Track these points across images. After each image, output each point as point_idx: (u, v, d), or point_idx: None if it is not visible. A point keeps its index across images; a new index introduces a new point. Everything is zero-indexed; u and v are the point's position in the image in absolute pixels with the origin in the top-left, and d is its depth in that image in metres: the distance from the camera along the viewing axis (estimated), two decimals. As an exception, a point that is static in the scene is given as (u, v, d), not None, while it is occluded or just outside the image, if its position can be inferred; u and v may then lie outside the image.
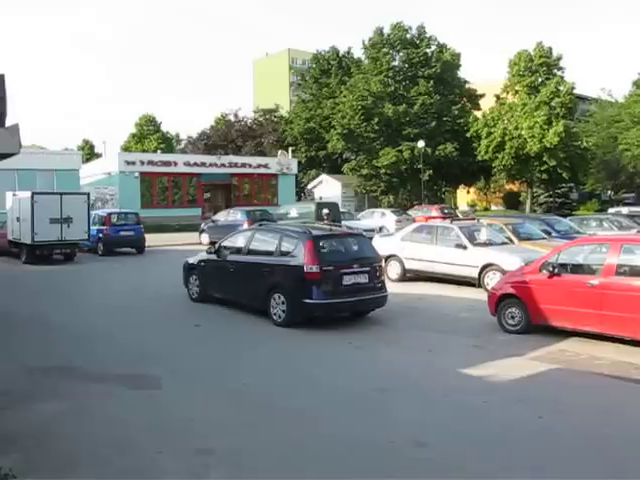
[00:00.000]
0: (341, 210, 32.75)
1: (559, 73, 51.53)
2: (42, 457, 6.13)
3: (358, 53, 62.36)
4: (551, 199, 56.45)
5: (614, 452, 6.35)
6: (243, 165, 50.15)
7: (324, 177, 57.78)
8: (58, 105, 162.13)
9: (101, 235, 26.50)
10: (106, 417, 7.30)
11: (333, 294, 11.82)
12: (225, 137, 64.99)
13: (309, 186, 58.45)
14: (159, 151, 66.48)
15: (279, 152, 54.81)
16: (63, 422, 7.12)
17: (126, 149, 78.39)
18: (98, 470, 5.86)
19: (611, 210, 34.69)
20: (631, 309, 10.14)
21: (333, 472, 5.81)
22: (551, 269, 11.18)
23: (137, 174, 43.95)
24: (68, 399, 7.85)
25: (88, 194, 26.06)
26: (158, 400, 7.95)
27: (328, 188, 54.79)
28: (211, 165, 47.81)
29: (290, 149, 56.37)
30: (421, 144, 48.45)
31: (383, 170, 52.82)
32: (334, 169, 59.64)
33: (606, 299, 10.44)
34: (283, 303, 12.03)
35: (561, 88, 49.48)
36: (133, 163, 44.51)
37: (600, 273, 10.75)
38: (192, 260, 15.06)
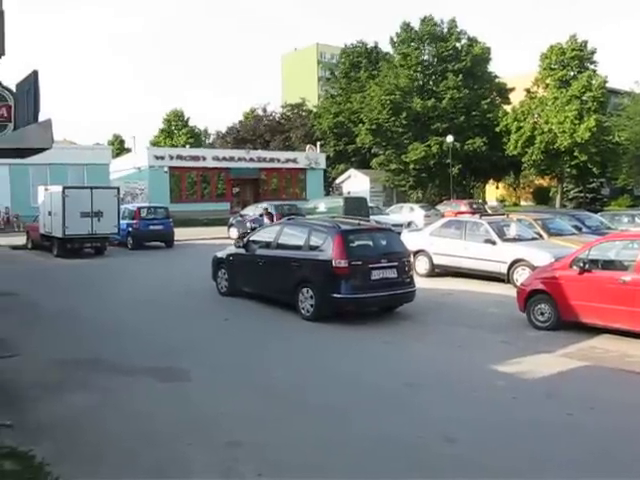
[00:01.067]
0: (369, 205, 32.67)
1: (591, 67, 50.87)
2: (72, 448, 6.22)
3: (386, 47, 62.20)
4: (582, 194, 55.75)
5: (644, 450, 6.29)
6: (271, 160, 50.34)
7: (352, 172, 57.74)
8: (88, 100, 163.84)
9: (131, 229, 26.73)
10: (135, 409, 7.38)
11: (361, 289, 11.82)
12: (254, 132, 65.27)
13: (337, 181, 58.48)
14: (188, 146, 66.98)
15: (307, 147, 54.92)
16: (93, 414, 7.22)
17: (155, 144, 79.01)
18: (127, 461, 5.93)
19: (643, 206, 34.19)
20: (664, 306, 10.01)
21: (362, 467, 5.82)
22: (582, 265, 11.05)
23: (166, 169, 44.31)
24: (98, 391, 7.94)
25: (118, 188, 26.34)
26: (186, 393, 8.02)
27: (356, 183, 54.75)
28: (240, 160, 48.04)
29: (318, 144, 56.44)
30: (450, 139, 48.16)
31: (412, 165, 52.65)
32: (362, 164, 59.59)
33: (638, 296, 10.31)
34: (311, 297, 12.05)
35: (593, 82, 48.89)
36: (162, 158, 44.91)
37: (632, 269, 10.60)
38: (221, 254, 15.15)
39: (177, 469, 5.78)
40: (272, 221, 21.76)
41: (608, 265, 11.21)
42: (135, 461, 5.93)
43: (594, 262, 11.14)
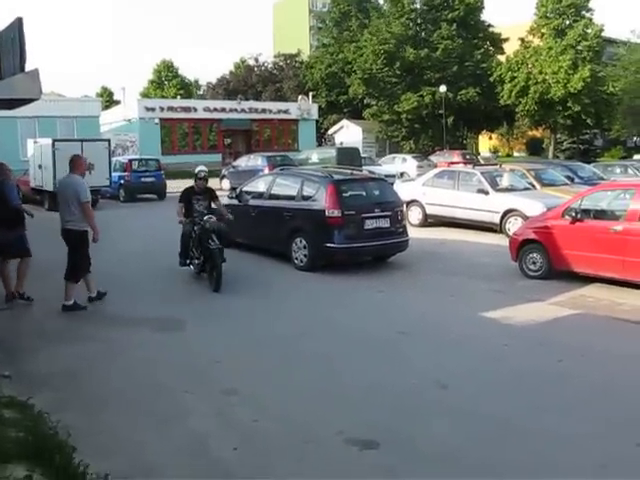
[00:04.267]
0: (362, 156, 32.54)
1: (588, 15, 50.14)
2: (73, 396, 6.30)
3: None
4: (575, 145, 55.56)
5: (632, 396, 6.41)
6: (263, 110, 49.83)
7: (345, 122, 57.30)
8: (75, 51, 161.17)
9: (122, 182, 26.61)
10: (134, 358, 7.47)
11: (355, 238, 11.85)
12: (245, 82, 64.51)
13: (330, 131, 58.08)
14: (178, 97, 66.17)
15: (299, 97, 54.31)
16: (92, 363, 7.30)
17: (145, 96, 77.86)
18: (128, 408, 6.02)
19: (636, 157, 34.18)
20: (655, 255, 10.09)
21: (356, 413, 5.92)
22: (574, 215, 11.09)
23: (157, 120, 43.84)
24: (96, 341, 8.01)
25: (109, 140, 26.09)
26: (184, 342, 8.11)
27: (349, 134, 54.39)
28: (231, 111, 47.54)
29: (311, 94, 55.80)
30: (443, 89, 47.72)
31: (404, 115, 52.22)
32: (355, 114, 59.11)
33: (629, 245, 10.37)
34: (305, 247, 12.10)
35: (589, 31, 48.30)
36: (153, 109, 44.37)
37: (624, 219, 10.66)
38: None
39: (176, 415, 5.87)
40: None
41: (600, 215, 11.25)
42: (136, 408, 6.03)
43: (586, 212, 11.18)
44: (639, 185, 11.79)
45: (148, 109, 44.18)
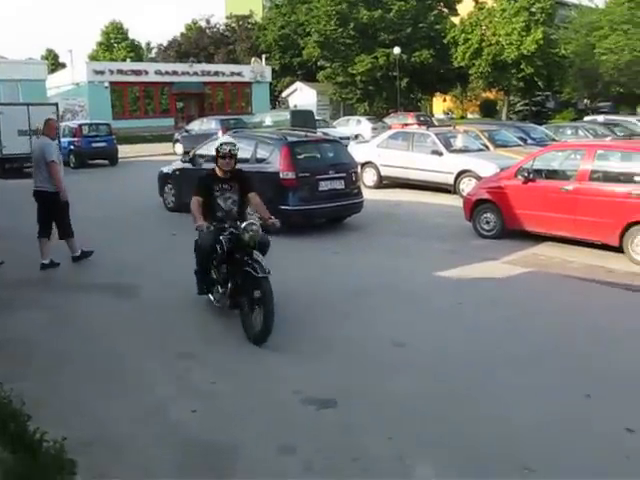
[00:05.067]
0: (316, 118, 32.41)
1: (541, -24, 50.23)
2: (26, 363, 6.18)
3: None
4: (527, 107, 56.08)
5: (581, 350, 6.57)
6: (216, 73, 49.10)
7: (299, 85, 56.80)
8: (15, 11, 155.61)
9: (72, 147, 26.05)
10: (88, 324, 7.37)
11: (309, 200, 11.83)
12: (197, 45, 63.30)
13: (284, 94, 57.54)
14: (128, 60, 64.67)
15: (253, 60, 53.63)
16: (46, 329, 7.18)
17: (93, 58, 75.78)
18: (83, 375, 5.95)
19: (587, 118, 34.65)
20: (603, 214, 10.29)
21: (314, 371, 5.94)
22: (526, 175, 11.23)
23: (107, 84, 42.87)
24: (50, 308, 7.89)
25: (56, 105, 25.45)
26: (139, 308, 8.02)
27: (303, 96, 53.97)
28: (183, 74, 46.74)
29: (264, 56, 55.13)
30: (397, 51, 47.51)
31: (359, 77, 51.97)
32: (309, 77, 58.56)
33: (579, 204, 10.56)
34: (259, 210, 11.96)
35: (542, -8, 48.43)
36: (102, 73, 43.33)
37: (574, 179, 10.83)
38: (167, 169, 14.89)
39: (133, 380, 5.83)
40: None
41: (551, 175, 11.42)
42: (92, 375, 5.94)
43: (538, 172, 11.33)
44: (589, 146, 11.99)
45: (97, 72, 43.13)
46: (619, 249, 10.28)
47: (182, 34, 67.70)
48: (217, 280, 7.45)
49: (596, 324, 7.41)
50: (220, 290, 7.37)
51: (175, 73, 46.51)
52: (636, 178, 10.26)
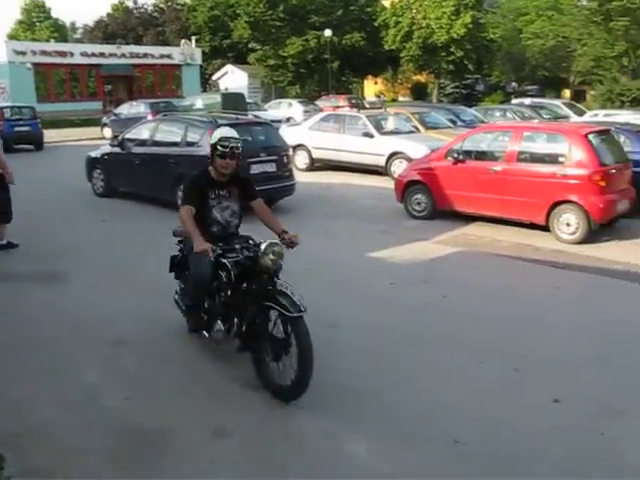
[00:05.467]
0: (248, 101, 32.18)
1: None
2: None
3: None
4: (458, 90, 56.86)
5: (509, 326, 6.74)
6: (145, 55, 47.98)
7: (230, 68, 56.21)
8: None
9: (-6, 131, 25.11)
10: (16, 313, 7.16)
11: (241, 184, 11.69)
12: (124, 26, 61.74)
13: (214, 77, 56.81)
14: (52, 41, 62.69)
15: (182, 42, 52.64)
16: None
17: (13, 38, 73.10)
18: (11, 364, 5.78)
19: (514, 101, 35.38)
20: (530, 194, 10.55)
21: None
22: (455, 156, 11.41)
23: (29, 65, 41.31)
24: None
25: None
26: (68, 295, 7.81)
27: (234, 79, 53.44)
28: (111, 56, 45.46)
29: (194, 38, 54.19)
30: (328, 33, 47.52)
31: (290, 60, 51.83)
32: (240, 59, 58.00)
33: (507, 185, 10.80)
34: (191, 194, 11.80)
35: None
36: (24, 53, 41.68)
37: (502, 160, 11.05)
38: (95, 154, 14.53)
39: (62, 369, 5.70)
40: None
41: (480, 156, 11.61)
42: (20, 364, 5.79)
43: (467, 153, 11.52)
44: (516, 127, 12.24)
45: (18, 53, 41.46)
46: (546, 228, 10.57)
47: (109, 14, 65.97)
48: (214, 312, 5.65)
49: (524, 300, 7.61)
50: (222, 327, 5.50)
51: (102, 55, 45.23)
52: (561, 159, 10.53)
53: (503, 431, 4.65)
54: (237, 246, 5.53)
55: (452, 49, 48.72)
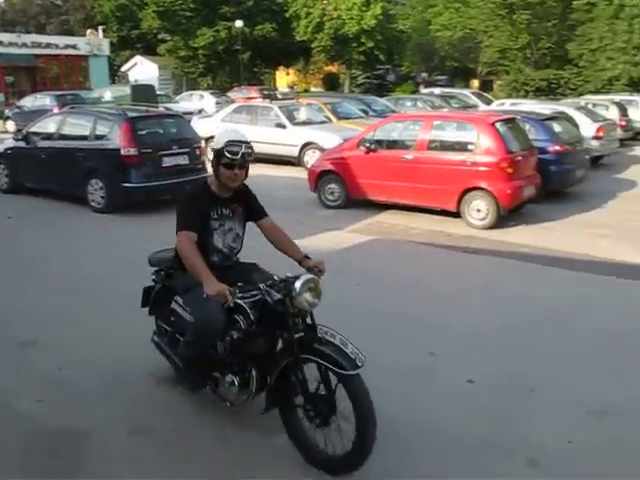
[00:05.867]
0: (158, 93, 31.67)
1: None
2: None
3: None
4: (369, 80, 57.53)
5: (424, 311, 6.88)
6: (48, 45, 46.20)
7: (139, 59, 55.05)
8: None
9: None
10: None
11: (153, 177, 11.53)
12: (24, 13, 59.40)
13: (123, 68, 55.53)
14: (-58, 27, 59.73)
15: (88, 31, 51.09)
16: None
17: None
18: None
19: (424, 91, 36.05)
20: (441, 181, 10.79)
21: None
22: (367, 145, 11.55)
23: None
24: None
25: None
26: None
27: (144, 70, 52.38)
28: (11, 45, 43.46)
29: (100, 28, 52.68)
30: (239, 24, 47.20)
31: (201, 51, 51.21)
32: (150, 50, 56.87)
33: (419, 173, 11.01)
34: (101, 189, 11.61)
35: (379, -31, 49.66)
36: None
37: (413, 148, 11.25)
38: (-3, 148, 13.99)
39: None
40: None
41: (392, 145, 11.80)
42: None
43: (379, 142, 11.68)
44: (426, 116, 12.49)
45: None
46: (457, 214, 10.84)
47: (6, 0, 63.36)
48: (220, 362, 4.39)
49: (437, 285, 7.79)
50: (235, 381, 4.25)
51: (1, 44, 43.36)
52: (470, 147, 10.81)
53: (420, 411, 4.77)
54: (261, 285, 4.21)
55: (363, 40, 49.20)
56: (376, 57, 51.14)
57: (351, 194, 11.83)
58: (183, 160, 11.97)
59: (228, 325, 4.15)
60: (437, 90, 33.87)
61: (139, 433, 4.52)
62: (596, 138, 16.89)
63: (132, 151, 11.26)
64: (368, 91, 49.54)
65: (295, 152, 16.51)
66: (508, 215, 10.78)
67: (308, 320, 4.16)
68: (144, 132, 11.84)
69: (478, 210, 10.61)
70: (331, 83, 64.78)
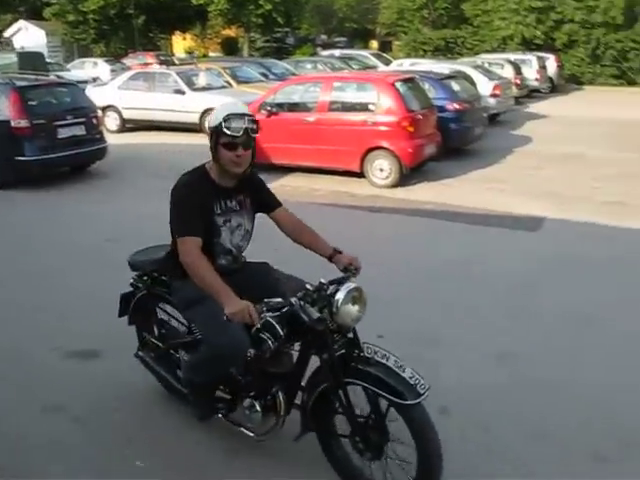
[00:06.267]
0: (48, 61, 30.37)
1: None
2: None
3: None
4: (268, 44, 56.98)
5: (333, 269, 6.95)
6: None
7: (23, 24, 52.30)
8: None
9: None
10: None
11: (48, 149, 11.09)
12: None
13: (6, 34, 52.62)
14: None
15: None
16: None
17: None
18: None
19: (324, 53, 36.05)
20: (344, 142, 10.90)
21: (76, 324, 5.72)
22: (269, 109, 11.49)
23: None
24: None
25: None
26: None
27: (30, 37, 49.85)
28: None
29: (-23, -9, 49.86)
30: (130, -14, 45.63)
31: (91, 16, 49.06)
32: (35, 15, 54.05)
33: (322, 134, 11.07)
34: (-7, 163, 11.09)
35: None
36: None
37: (315, 110, 11.28)
38: None
39: None
40: None
41: (293, 107, 11.79)
42: None
43: (280, 105, 11.65)
44: (326, 78, 12.54)
45: None
46: (360, 175, 10.96)
47: None
48: (232, 382, 3.77)
49: (342, 245, 7.79)
50: (256, 405, 3.56)
51: None
52: (371, 107, 10.92)
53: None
54: (293, 300, 3.33)
55: (261, 2, 48.45)
56: (274, 20, 50.52)
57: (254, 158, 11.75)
58: (80, 130, 11.56)
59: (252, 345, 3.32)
60: (337, 52, 33.95)
61: (49, 410, 4.40)
62: (493, 96, 17.44)
63: (23, 122, 10.78)
64: (267, 55, 49.13)
65: (195, 118, 16.21)
66: (410, 173, 11.00)
67: (349, 334, 3.40)
68: (35, 102, 11.32)
69: (381, 169, 10.78)
70: (230, 48, 63.78)
